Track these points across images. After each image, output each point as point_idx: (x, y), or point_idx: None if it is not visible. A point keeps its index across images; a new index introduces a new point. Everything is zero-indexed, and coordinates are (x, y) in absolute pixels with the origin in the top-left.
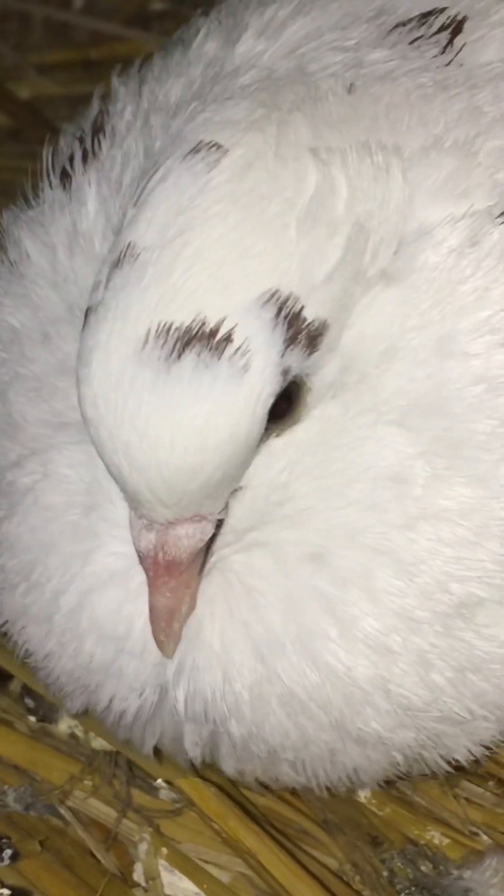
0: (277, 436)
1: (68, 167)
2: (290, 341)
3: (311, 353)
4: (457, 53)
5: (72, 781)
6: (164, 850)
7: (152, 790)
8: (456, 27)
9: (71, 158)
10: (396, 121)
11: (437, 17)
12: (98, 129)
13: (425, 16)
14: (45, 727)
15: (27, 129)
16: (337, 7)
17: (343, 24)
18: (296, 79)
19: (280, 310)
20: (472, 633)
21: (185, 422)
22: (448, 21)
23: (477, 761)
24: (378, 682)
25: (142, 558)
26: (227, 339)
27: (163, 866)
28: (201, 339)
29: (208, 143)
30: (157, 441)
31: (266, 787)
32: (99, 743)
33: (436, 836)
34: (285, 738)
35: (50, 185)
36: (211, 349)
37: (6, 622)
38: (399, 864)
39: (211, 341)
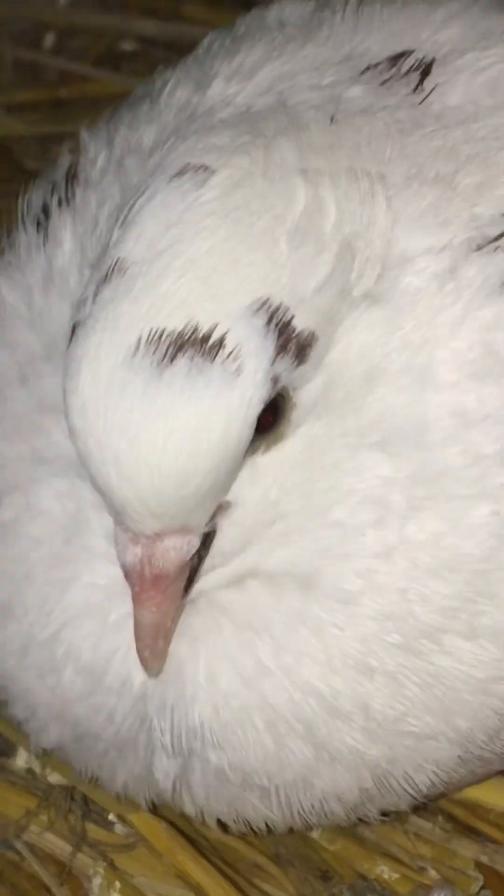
0: (263, 452)
1: (41, 216)
2: (281, 349)
3: (299, 364)
4: (427, 95)
5: (28, 816)
6: (118, 884)
7: (107, 824)
8: (425, 69)
9: (44, 206)
10: (378, 150)
11: (405, 60)
12: (72, 177)
13: (394, 59)
14: (1, 762)
15: None
16: (305, 54)
17: (314, 67)
18: (277, 110)
19: (271, 318)
20: (440, 653)
21: (179, 425)
22: (416, 63)
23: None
24: (358, 702)
25: (127, 573)
26: (220, 343)
27: None
28: (194, 344)
29: (195, 166)
30: (149, 446)
31: (224, 827)
32: (55, 778)
33: (385, 871)
34: (264, 761)
35: (24, 230)
36: (203, 354)
37: None
38: None
39: (203, 346)
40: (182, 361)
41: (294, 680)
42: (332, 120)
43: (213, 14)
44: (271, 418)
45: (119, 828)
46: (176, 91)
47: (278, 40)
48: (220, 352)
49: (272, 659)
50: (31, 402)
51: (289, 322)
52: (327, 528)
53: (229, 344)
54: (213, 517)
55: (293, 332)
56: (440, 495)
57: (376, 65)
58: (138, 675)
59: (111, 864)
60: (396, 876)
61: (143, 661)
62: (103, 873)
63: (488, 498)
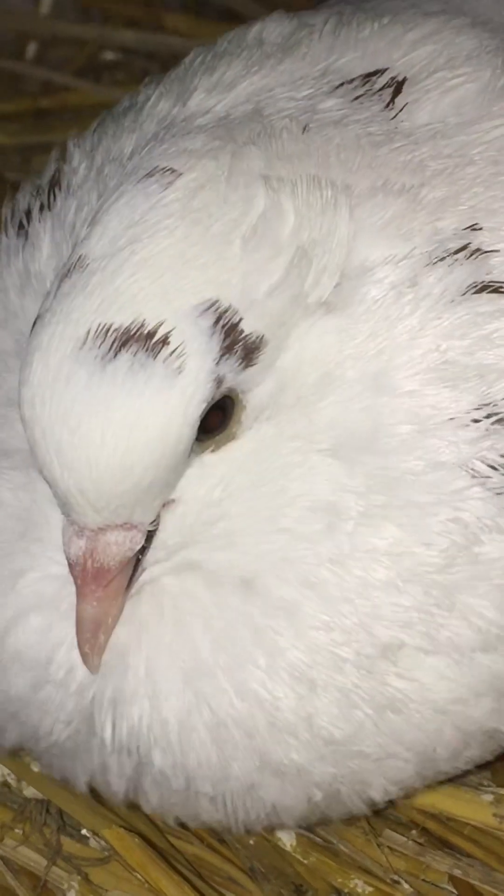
0: (213, 451)
1: (24, 219)
2: (227, 350)
3: (246, 367)
4: (398, 112)
5: (3, 829)
6: None
7: (82, 838)
8: (397, 87)
9: (27, 211)
10: (346, 160)
11: (379, 77)
12: (54, 184)
13: (368, 76)
14: None
15: None
16: (283, 69)
17: (291, 81)
18: (252, 118)
19: (218, 319)
20: (395, 675)
21: (117, 419)
22: (389, 81)
23: (398, 809)
24: (301, 714)
25: (71, 566)
26: (164, 341)
27: None
28: (138, 340)
29: (163, 168)
30: (87, 438)
31: (185, 826)
32: (31, 791)
33: (359, 885)
34: (207, 768)
35: (6, 234)
36: (147, 350)
37: None
38: None
39: (148, 342)
40: (125, 356)
41: (234, 683)
42: (304, 129)
43: (194, 25)
44: (218, 419)
45: (94, 842)
46: (158, 103)
47: (257, 56)
48: (164, 349)
49: (211, 655)
50: (0, 395)
51: (237, 324)
52: (273, 533)
53: (173, 342)
54: (158, 514)
55: (241, 334)
56: (398, 502)
57: (351, 80)
58: (82, 666)
59: (86, 878)
60: (370, 889)
61: (83, 656)
62: (77, 887)
63: (446, 504)
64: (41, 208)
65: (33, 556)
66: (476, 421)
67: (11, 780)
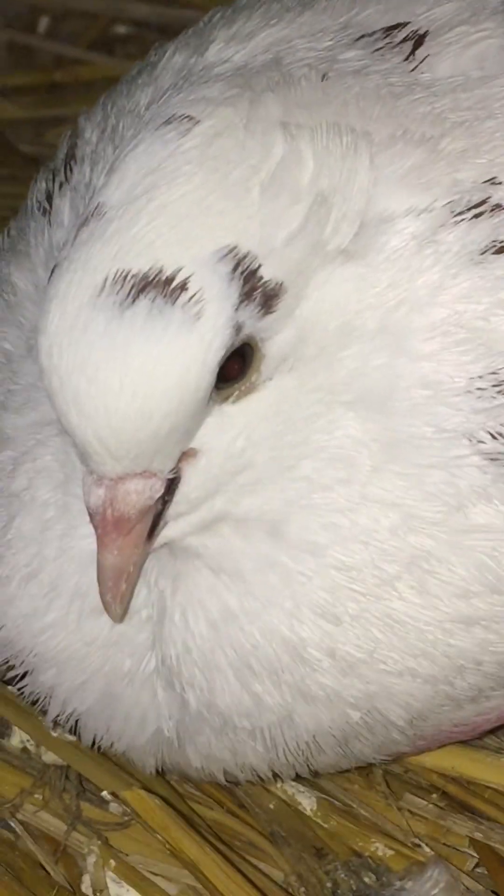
0: (233, 402)
1: (46, 204)
2: (245, 297)
3: (265, 314)
4: (418, 64)
5: (22, 795)
6: (112, 863)
7: (102, 803)
8: (418, 40)
9: (48, 193)
10: (366, 109)
11: (400, 31)
12: (69, 160)
13: (389, 29)
14: None
15: None
16: (303, 21)
17: (311, 33)
18: (271, 66)
19: (237, 265)
20: (398, 600)
21: (135, 366)
22: (410, 34)
23: (418, 773)
24: (325, 648)
25: (91, 515)
26: (182, 287)
27: (111, 878)
28: (156, 286)
29: (181, 116)
30: (105, 386)
31: (236, 783)
32: (50, 757)
33: (380, 848)
34: (239, 705)
35: (33, 218)
36: (165, 296)
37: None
38: (342, 875)
39: (166, 288)
40: (143, 302)
41: (259, 626)
42: (323, 77)
43: None
44: (238, 367)
45: (114, 806)
46: (174, 57)
47: (276, 9)
48: (182, 295)
49: (238, 603)
50: (36, 370)
51: (255, 270)
52: (295, 481)
53: (192, 288)
54: (178, 463)
55: (259, 280)
56: (400, 462)
57: (372, 33)
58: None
59: (106, 843)
60: (391, 853)
61: (105, 605)
62: (98, 851)
63: (443, 469)
64: (60, 186)
65: (75, 513)
66: (481, 389)
67: (31, 745)
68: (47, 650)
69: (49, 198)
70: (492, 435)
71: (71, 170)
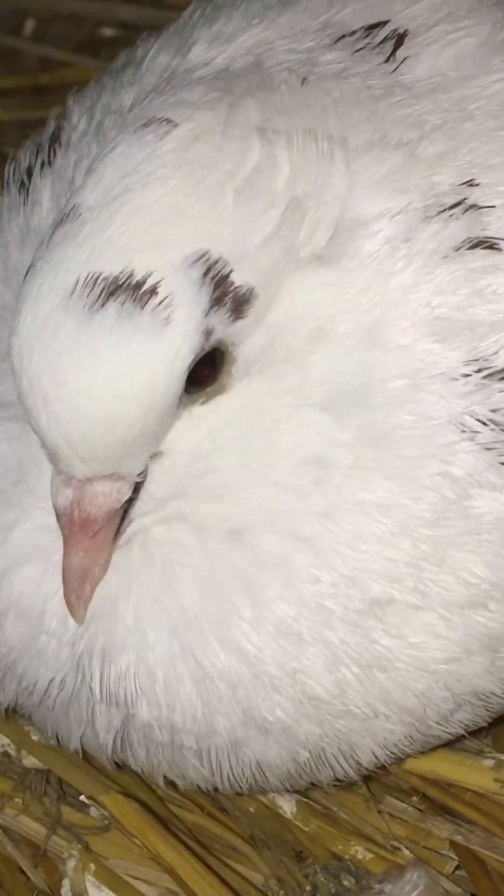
0: (202, 404)
1: (25, 178)
2: (216, 302)
3: (236, 319)
4: (399, 65)
5: (2, 799)
6: (92, 867)
7: (82, 807)
8: (398, 40)
9: (28, 169)
10: (344, 114)
11: (380, 29)
12: (54, 141)
13: (369, 28)
14: None
15: None
16: (283, 21)
17: (292, 34)
18: (251, 70)
19: (208, 270)
20: (382, 632)
21: (103, 370)
22: (391, 33)
23: (398, 776)
24: (286, 668)
25: (58, 516)
26: (152, 291)
27: (90, 882)
28: (126, 290)
29: (159, 119)
30: (74, 389)
31: (174, 787)
32: (31, 761)
33: (359, 851)
34: (193, 721)
35: (8, 192)
36: (135, 300)
37: None
38: (322, 878)
39: (136, 292)
40: (113, 306)
41: (218, 634)
42: (303, 82)
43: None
44: (208, 372)
45: (93, 811)
46: (158, 56)
47: (256, 8)
48: (152, 299)
49: (198, 606)
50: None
51: (227, 275)
52: (263, 487)
53: (161, 292)
54: (147, 466)
55: (231, 285)
56: (387, 455)
57: (352, 33)
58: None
59: (86, 847)
60: (371, 856)
61: (69, 606)
62: (78, 856)
63: (436, 458)
64: (42, 165)
65: (25, 507)
66: (466, 375)
67: (11, 749)
68: None
69: (30, 174)
70: (481, 421)
71: (55, 152)
